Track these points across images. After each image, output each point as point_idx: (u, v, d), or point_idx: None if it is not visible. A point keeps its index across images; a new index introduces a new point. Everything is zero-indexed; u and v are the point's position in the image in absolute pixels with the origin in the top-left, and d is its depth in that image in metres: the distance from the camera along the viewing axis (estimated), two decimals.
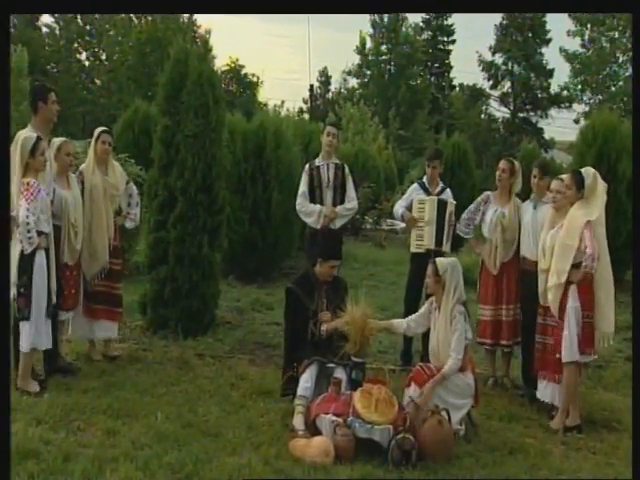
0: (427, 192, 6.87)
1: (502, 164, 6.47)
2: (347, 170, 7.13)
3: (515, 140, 38.79)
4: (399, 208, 6.95)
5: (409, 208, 6.86)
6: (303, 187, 7.06)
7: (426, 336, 6.66)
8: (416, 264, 6.83)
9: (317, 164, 7.09)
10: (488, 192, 6.62)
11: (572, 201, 5.41)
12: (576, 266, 5.24)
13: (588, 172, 5.42)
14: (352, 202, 7.07)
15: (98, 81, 41.91)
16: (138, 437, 4.54)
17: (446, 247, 6.69)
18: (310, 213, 6.99)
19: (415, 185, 7.08)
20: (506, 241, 6.31)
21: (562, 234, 5.38)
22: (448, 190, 6.97)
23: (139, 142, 11.41)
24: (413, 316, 5.49)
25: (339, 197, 7.02)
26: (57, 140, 5.96)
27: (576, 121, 34.10)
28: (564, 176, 5.65)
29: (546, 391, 5.61)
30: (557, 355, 5.35)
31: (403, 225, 6.97)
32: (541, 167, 6.24)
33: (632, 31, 5.41)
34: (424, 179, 7.05)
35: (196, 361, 6.44)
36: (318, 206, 6.96)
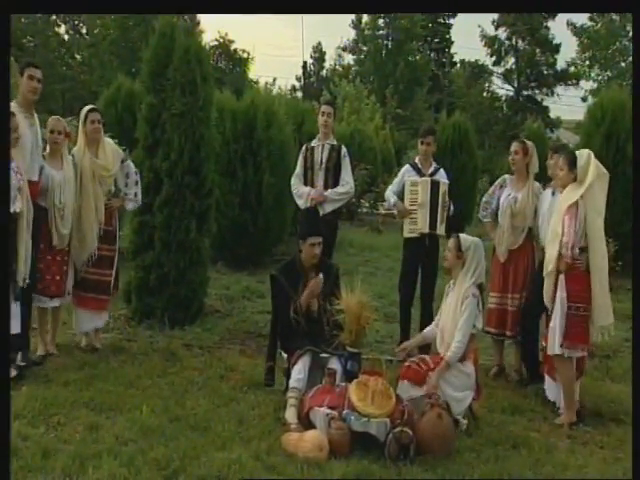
0: (420, 173, 6.85)
1: (514, 146, 6.47)
2: (344, 151, 7.11)
3: (519, 119, 38.76)
4: (390, 195, 6.93)
5: (401, 192, 6.85)
6: (298, 168, 7.12)
7: (424, 325, 6.72)
8: (410, 249, 6.85)
9: (312, 145, 7.11)
10: (506, 175, 6.63)
11: (565, 183, 5.38)
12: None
13: (582, 153, 5.38)
14: (346, 186, 7.03)
15: (78, 56, 41.52)
16: (122, 432, 4.53)
17: (440, 230, 6.69)
18: (300, 195, 7.02)
19: (406, 167, 7.05)
20: (514, 227, 6.30)
21: (552, 220, 5.41)
22: (442, 170, 6.95)
23: (122, 121, 11.32)
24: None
25: (332, 180, 7.01)
26: (51, 119, 6.02)
27: (584, 99, 34.11)
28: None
29: (550, 388, 5.65)
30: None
31: (390, 209, 6.95)
32: (553, 149, 6.21)
33: (632, 31, 5.46)
34: (416, 159, 7.03)
35: (183, 352, 6.44)
36: (307, 188, 6.98)
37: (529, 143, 6.50)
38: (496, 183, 6.63)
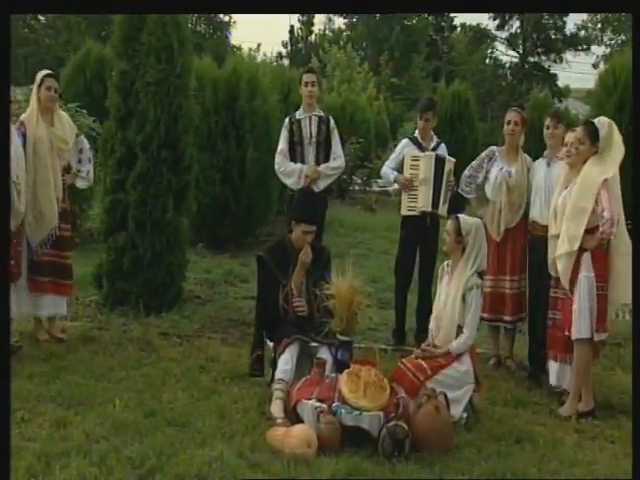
0: (420, 148, 6.83)
1: (511, 115, 6.45)
2: (332, 123, 7.09)
3: (524, 88, 38.77)
4: (388, 171, 6.89)
5: (399, 169, 6.81)
6: (282, 144, 7.04)
7: (421, 312, 6.75)
8: (408, 229, 6.83)
9: (298, 117, 7.06)
10: (493, 147, 6.60)
11: (586, 157, 5.37)
12: (590, 231, 5.23)
13: (602, 122, 5.38)
14: (338, 160, 7.03)
15: (42, 18, 41.08)
16: (93, 428, 4.51)
17: (442, 210, 6.68)
18: (289, 173, 6.96)
19: (405, 141, 7.03)
20: (512, 204, 6.30)
21: (575, 195, 5.36)
22: (443, 145, 6.94)
23: (92, 90, 11.28)
24: None
25: (323, 154, 6.99)
26: None
27: (595, 65, 34.15)
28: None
29: (556, 373, 5.65)
30: (567, 332, 5.37)
31: (396, 187, 6.91)
32: (554, 116, 6.22)
33: (632, 31, 5.62)
34: (416, 133, 7.01)
35: (160, 341, 6.43)
36: (299, 165, 6.94)
37: (524, 114, 6.51)
38: (482, 155, 6.55)
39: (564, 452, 4.72)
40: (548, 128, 6.17)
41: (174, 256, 7.22)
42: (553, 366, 5.68)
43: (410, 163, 6.72)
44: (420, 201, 6.66)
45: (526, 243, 6.29)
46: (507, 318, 6.37)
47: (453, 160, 6.75)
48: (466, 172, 6.59)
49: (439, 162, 6.66)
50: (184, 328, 6.85)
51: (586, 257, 5.27)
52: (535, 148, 6.61)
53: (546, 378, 5.83)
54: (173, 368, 5.77)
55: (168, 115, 7.03)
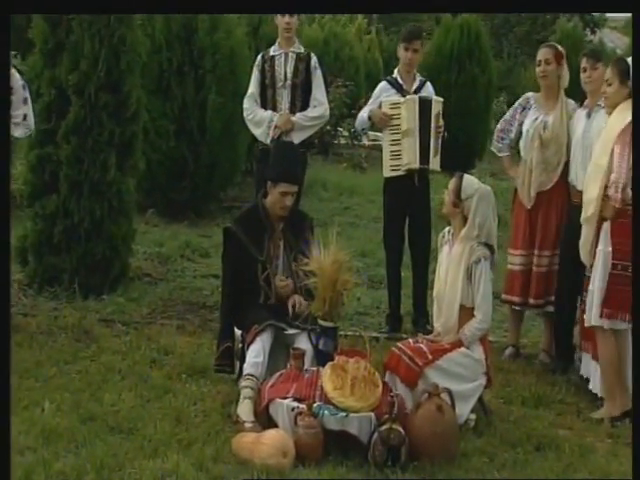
0: (401, 91, 6.83)
1: (542, 53, 6.43)
2: (315, 62, 7.10)
3: (549, 17, 38.57)
4: (364, 112, 6.92)
5: None
6: (253, 86, 7.07)
7: (418, 292, 6.79)
8: (393, 193, 6.88)
9: (272, 54, 7.08)
10: (529, 94, 6.61)
11: (615, 102, 5.36)
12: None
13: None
14: (319, 108, 7.05)
15: None
16: (16, 437, 4.46)
17: (434, 164, 6.70)
18: (258, 122, 7.01)
19: (383, 84, 7.04)
20: (547, 162, 6.28)
21: (595, 150, 5.40)
22: (429, 85, 6.96)
23: (12, 16, 11.10)
24: None
25: (300, 100, 7.02)
26: None
27: None
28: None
29: (588, 368, 5.72)
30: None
31: (369, 138, 6.98)
32: (591, 55, 6.17)
33: (632, 31, 5.72)
34: (395, 72, 7.00)
35: (101, 329, 6.42)
36: (269, 113, 6.97)
37: (560, 48, 6.46)
38: (516, 104, 6.62)
39: (595, 461, 4.75)
40: (585, 70, 6.10)
41: (118, 225, 7.19)
42: (585, 359, 5.74)
43: (389, 113, 6.72)
44: (405, 157, 6.67)
45: (562, 210, 6.27)
46: (532, 301, 6.38)
47: (441, 100, 6.78)
48: (498, 126, 6.70)
49: (424, 105, 6.65)
50: (131, 313, 6.86)
51: (605, 228, 5.29)
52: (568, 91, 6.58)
53: (574, 371, 5.87)
54: (117, 362, 5.77)
55: (108, 49, 6.98)
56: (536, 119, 6.35)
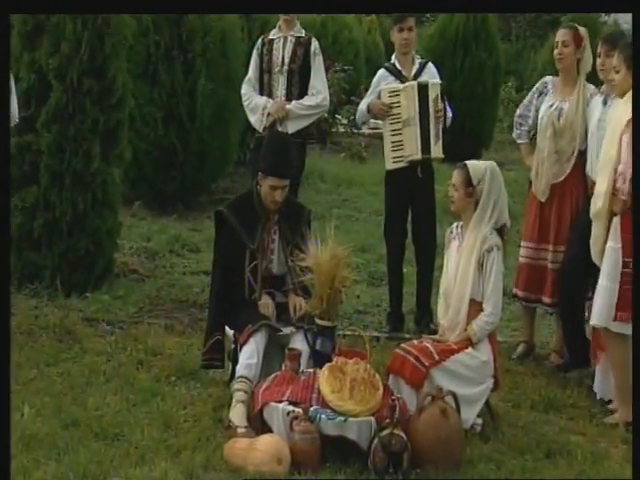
0: (400, 77, 6.82)
1: (559, 35, 6.43)
2: (315, 47, 7.10)
3: None
4: (363, 104, 6.94)
5: None
6: (251, 71, 7.13)
7: (422, 289, 6.78)
8: (395, 185, 6.86)
9: (271, 37, 7.10)
10: (547, 78, 6.61)
11: (624, 89, 5.36)
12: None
13: None
14: (317, 97, 7.04)
15: None
16: None
17: (436, 151, 6.69)
18: (253, 109, 7.03)
19: (381, 71, 7.03)
20: (560, 152, 6.28)
21: (605, 140, 5.42)
22: (430, 66, 6.94)
23: None
24: None
25: (297, 88, 7.02)
26: None
27: None
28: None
29: (599, 379, 5.72)
30: None
31: (369, 127, 6.97)
32: (607, 41, 6.13)
33: (632, 31, 5.77)
34: (393, 59, 7.00)
35: (84, 329, 6.43)
36: (264, 99, 7.00)
37: (582, 30, 6.40)
38: (534, 89, 6.61)
39: (609, 468, 4.75)
40: (599, 56, 6.07)
41: (102, 219, 7.20)
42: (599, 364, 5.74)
43: (388, 101, 6.71)
44: (407, 148, 6.67)
45: (577, 203, 6.26)
46: (547, 299, 6.37)
47: (438, 82, 6.75)
48: (518, 110, 6.73)
49: (422, 91, 6.63)
50: (116, 312, 6.86)
51: (614, 223, 5.28)
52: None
53: (587, 373, 5.87)
54: (101, 364, 5.78)
55: (92, 31, 6.98)
56: (551, 106, 6.34)
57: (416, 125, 6.61)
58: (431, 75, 6.82)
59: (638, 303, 5.04)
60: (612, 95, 5.97)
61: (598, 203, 5.34)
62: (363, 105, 6.93)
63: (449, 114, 6.80)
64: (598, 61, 6.12)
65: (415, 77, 6.78)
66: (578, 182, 6.25)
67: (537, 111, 6.46)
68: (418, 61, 6.92)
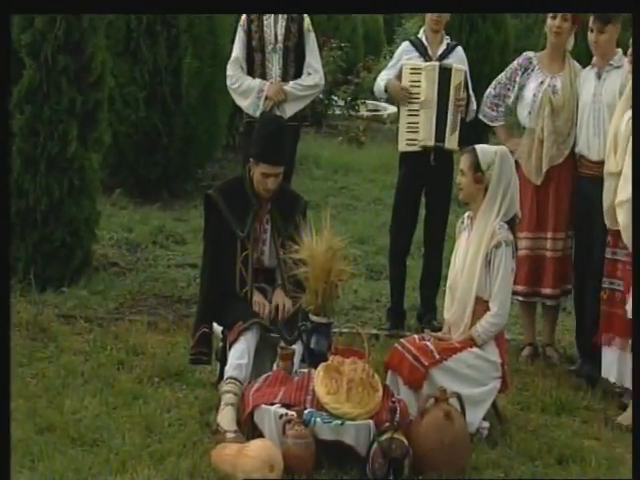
0: (425, 55, 6.82)
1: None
2: (308, 24, 7.10)
3: None
4: (382, 81, 6.91)
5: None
6: (237, 49, 7.07)
7: (427, 284, 6.80)
8: (408, 170, 6.86)
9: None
10: (529, 53, 6.61)
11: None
12: None
13: None
14: (314, 76, 7.06)
15: None
16: None
17: (450, 142, 6.70)
18: (245, 92, 7.00)
19: (405, 44, 7.04)
20: (558, 132, 6.30)
21: (617, 113, 5.51)
22: (459, 50, 6.95)
23: None
24: None
25: (293, 67, 7.04)
26: None
27: None
28: None
29: (613, 366, 5.70)
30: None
31: (391, 110, 6.96)
32: (599, 16, 6.16)
33: (632, 31, 5.87)
34: (420, 33, 7.00)
35: (60, 327, 6.44)
36: (258, 81, 6.96)
37: None
38: (514, 64, 6.57)
39: (624, 474, 4.75)
40: (592, 31, 6.12)
41: (80, 207, 7.20)
42: (609, 355, 5.73)
43: (409, 78, 6.71)
44: (422, 132, 6.68)
45: (573, 186, 6.32)
46: (547, 291, 6.41)
47: (463, 69, 6.75)
48: (491, 89, 6.62)
49: (444, 74, 6.64)
50: (95, 308, 6.87)
51: None
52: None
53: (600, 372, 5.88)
54: (79, 364, 5.78)
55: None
56: (542, 82, 6.36)
57: (433, 109, 6.62)
58: (458, 59, 6.80)
59: (638, 303, 5.06)
60: (606, 68, 6.08)
61: (627, 189, 5.31)
62: (381, 81, 6.88)
63: (472, 106, 6.77)
64: (591, 37, 6.15)
65: (441, 58, 6.77)
66: (572, 164, 6.30)
67: (521, 89, 6.46)
68: (447, 42, 6.91)
